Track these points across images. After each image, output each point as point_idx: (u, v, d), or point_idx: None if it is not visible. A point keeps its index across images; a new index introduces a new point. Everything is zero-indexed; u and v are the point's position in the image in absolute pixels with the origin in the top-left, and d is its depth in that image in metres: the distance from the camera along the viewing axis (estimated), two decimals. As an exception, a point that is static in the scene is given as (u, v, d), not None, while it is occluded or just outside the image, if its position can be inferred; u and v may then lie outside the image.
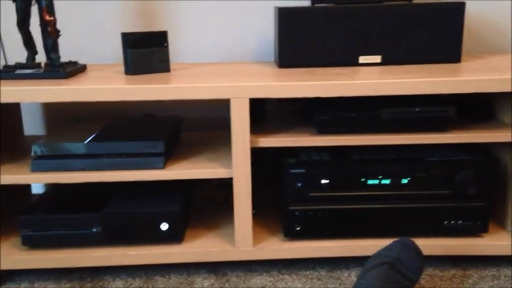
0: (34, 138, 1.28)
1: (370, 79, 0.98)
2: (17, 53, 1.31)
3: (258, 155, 1.21)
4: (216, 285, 1.06)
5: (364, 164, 1.04)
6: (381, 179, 1.04)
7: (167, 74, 1.11)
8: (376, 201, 1.05)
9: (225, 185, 1.41)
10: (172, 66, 1.24)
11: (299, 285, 1.05)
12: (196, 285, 1.06)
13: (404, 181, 1.04)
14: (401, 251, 0.95)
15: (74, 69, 1.08)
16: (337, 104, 1.04)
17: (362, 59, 1.15)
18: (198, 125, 1.40)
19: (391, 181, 1.04)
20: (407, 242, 0.97)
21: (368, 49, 1.15)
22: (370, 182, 1.04)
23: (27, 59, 1.09)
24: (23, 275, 1.11)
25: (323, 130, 1.02)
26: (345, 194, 1.05)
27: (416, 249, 0.97)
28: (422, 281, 1.05)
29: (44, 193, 1.19)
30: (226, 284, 1.06)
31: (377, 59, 1.15)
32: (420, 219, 1.06)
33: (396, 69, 1.11)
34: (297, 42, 1.14)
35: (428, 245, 1.06)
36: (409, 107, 1.01)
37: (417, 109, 1.01)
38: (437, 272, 1.09)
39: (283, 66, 1.16)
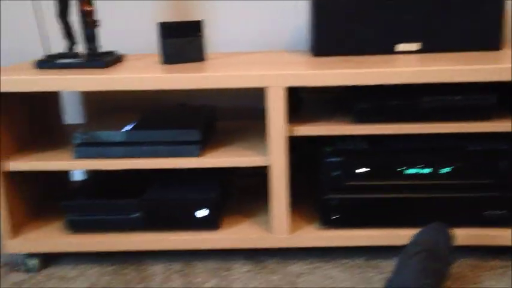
0: (74, 127, 1.32)
1: (409, 67, 0.96)
2: (57, 43, 1.34)
3: (294, 143, 1.21)
4: (254, 271, 1.07)
5: (402, 153, 1.02)
6: (420, 169, 1.02)
7: (203, 63, 1.11)
8: (415, 191, 1.04)
9: (260, 174, 1.42)
10: (207, 55, 1.25)
11: (337, 273, 1.06)
12: (234, 271, 1.08)
13: (444, 170, 1.02)
14: (437, 236, 0.94)
15: (112, 59, 1.10)
16: (375, 93, 1.02)
17: (399, 47, 1.12)
18: (232, 115, 1.41)
19: (430, 170, 1.02)
20: (440, 226, 0.96)
21: (405, 37, 1.12)
22: (408, 171, 1.03)
23: (67, 48, 1.11)
24: (68, 258, 1.16)
25: (362, 119, 1.01)
26: (382, 183, 1.04)
27: (449, 232, 0.96)
28: (464, 271, 1.04)
29: (86, 180, 1.22)
30: (263, 271, 1.08)
31: (415, 46, 1.12)
32: (459, 209, 1.04)
33: (435, 56, 1.08)
34: (332, 30, 1.12)
35: (467, 235, 1.04)
36: (449, 95, 0.99)
37: (458, 97, 0.99)
38: (478, 262, 1.07)
39: (318, 54, 1.15)
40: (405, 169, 1.02)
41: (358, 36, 1.12)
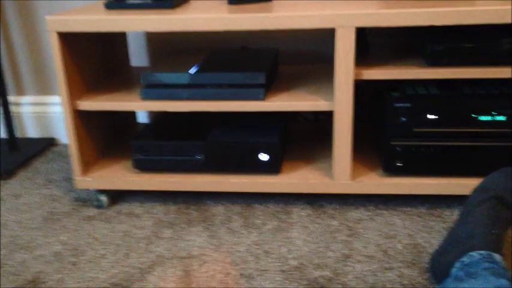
0: (140, 69, 1.34)
1: (489, 5, 0.90)
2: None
3: (357, 89, 1.18)
4: (313, 216, 1.08)
5: (476, 99, 0.98)
6: (494, 116, 0.98)
7: (269, 3, 1.09)
8: (488, 139, 0.99)
9: (321, 121, 1.40)
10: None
11: (397, 221, 1.05)
12: (293, 215, 1.09)
13: (521, 118, 0.97)
14: (506, 181, 0.89)
15: (179, 0, 1.10)
16: (450, 34, 0.97)
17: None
18: (294, 58, 1.38)
19: (506, 118, 0.98)
20: (510, 171, 0.91)
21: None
22: (482, 118, 0.98)
23: (136, -10, 1.12)
24: (134, 195, 1.21)
25: (435, 62, 0.96)
26: (453, 130, 1.00)
27: None
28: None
29: (152, 121, 1.25)
30: (323, 215, 1.08)
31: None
32: (534, 160, 0.99)
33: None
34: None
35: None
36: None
37: (542, 40, 0.92)
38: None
39: (391, -6, 1.10)
40: (478, 116, 0.98)
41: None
